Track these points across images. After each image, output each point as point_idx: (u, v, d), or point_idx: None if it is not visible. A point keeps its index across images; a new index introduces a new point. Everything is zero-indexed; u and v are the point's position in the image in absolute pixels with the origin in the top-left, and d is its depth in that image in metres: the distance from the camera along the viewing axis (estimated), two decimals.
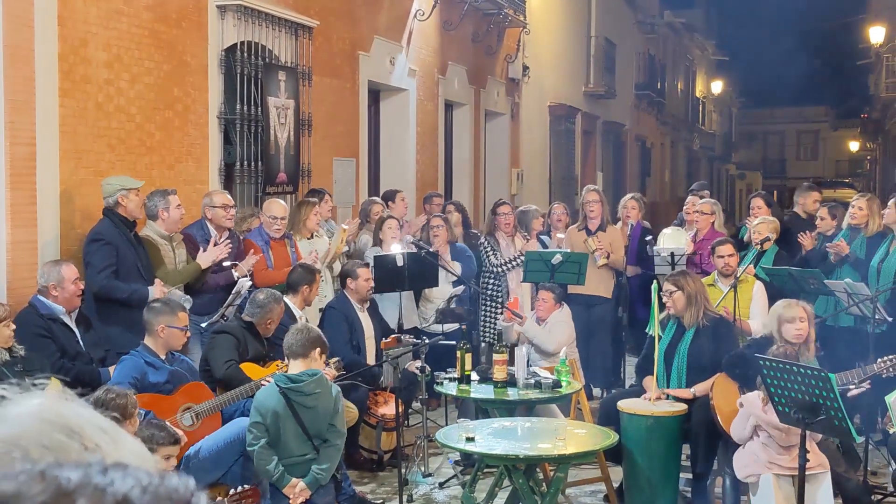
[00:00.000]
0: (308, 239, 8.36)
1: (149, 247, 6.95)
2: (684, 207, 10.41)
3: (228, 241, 7.35)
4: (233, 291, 7.15)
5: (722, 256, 7.89)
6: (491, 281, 9.52)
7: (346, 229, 8.58)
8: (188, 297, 6.81)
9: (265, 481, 5.70)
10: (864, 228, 8.42)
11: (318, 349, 5.74)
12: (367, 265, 8.14)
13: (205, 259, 7.12)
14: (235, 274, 7.27)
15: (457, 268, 9.06)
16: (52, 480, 0.75)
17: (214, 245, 7.21)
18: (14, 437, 0.85)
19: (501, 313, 9.39)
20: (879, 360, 6.25)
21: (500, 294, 9.47)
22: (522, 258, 9.39)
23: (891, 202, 8.29)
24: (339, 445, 5.70)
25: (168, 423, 4.93)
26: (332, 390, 5.71)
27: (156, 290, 6.56)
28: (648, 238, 9.88)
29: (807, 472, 5.20)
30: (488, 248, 9.57)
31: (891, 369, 6.13)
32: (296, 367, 5.70)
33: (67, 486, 0.75)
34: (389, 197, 10.32)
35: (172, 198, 7.16)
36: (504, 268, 9.46)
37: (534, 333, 7.97)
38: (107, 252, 6.54)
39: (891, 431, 5.79)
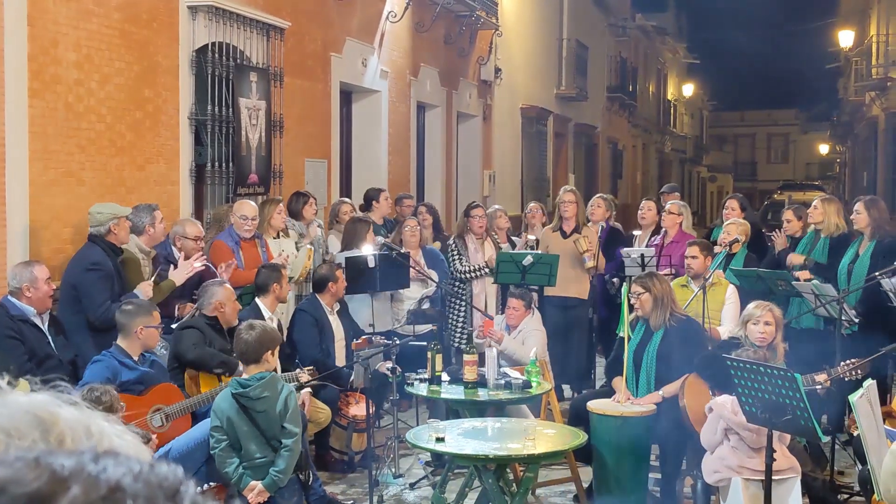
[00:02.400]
0: (275, 238, 8.34)
1: (128, 261, 6.92)
2: (639, 212, 10.36)
3: (202, 254, 7.33)
4: None
5: (687, 257, 7.94)
6: (457, 284, 9.51)
7: (311, 249, 8.55)
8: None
9: None
10: (824, 229, 8.49)
11: (269, 351, 5.71)
12: (340, 266, 8.14)
13: (179, 276, 7.08)
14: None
15: (429, 270, 9.06)
16: (46, 467, 0.78)
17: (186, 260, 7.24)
18: (7, 426, 0.88)
19: (465, 313, 9.38)
20: (842, 363, 6.31)
21: (465, 294, 9.46)
22: (487, 269, 9.39)
23: (859, 205, 8.31)
24: (290, 446, 5.63)
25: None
26: (281, 391, 5.64)
27: (143, 290, 6.61)
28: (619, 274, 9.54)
29: (778, 477, 5.25)
30: (455, 252, 9.56)
31: (852, 372, 6.20)
32: (250, 371, 5.68)
33: (62, 473, 0.78)
34: (373, 196, 10.18)
35: (157, 213, 7.16)
36: (468, 276, 9.45)
37: (512, 350, 7.85)
38: (105, 283, 6.56)
39: (854, 434, 5.84)
